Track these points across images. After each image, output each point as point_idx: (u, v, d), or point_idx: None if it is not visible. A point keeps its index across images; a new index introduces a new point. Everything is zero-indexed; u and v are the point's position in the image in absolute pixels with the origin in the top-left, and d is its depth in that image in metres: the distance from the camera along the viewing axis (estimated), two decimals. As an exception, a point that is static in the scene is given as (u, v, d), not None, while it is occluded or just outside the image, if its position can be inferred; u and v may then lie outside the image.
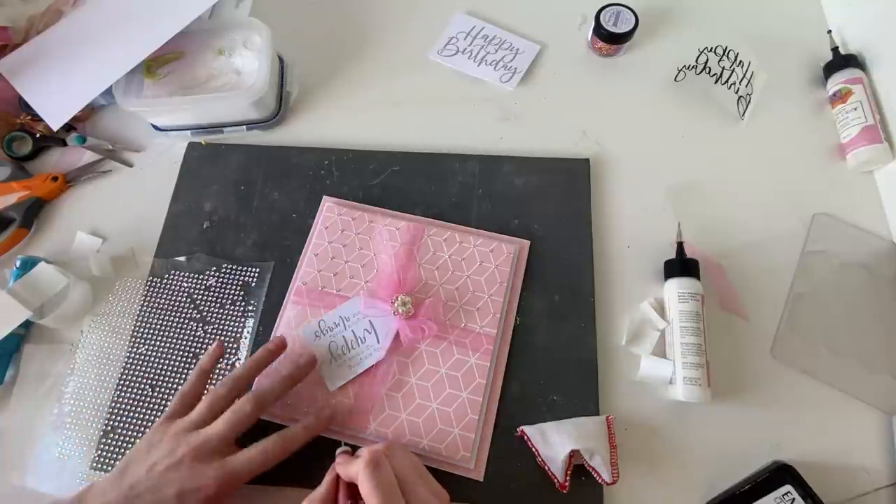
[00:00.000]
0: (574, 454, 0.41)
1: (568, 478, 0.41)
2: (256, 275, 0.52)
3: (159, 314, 0.50)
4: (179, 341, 0.49)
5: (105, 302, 0.52)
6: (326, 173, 0.56)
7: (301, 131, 0.60)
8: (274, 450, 0.39)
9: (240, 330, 0.50)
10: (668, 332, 0.48)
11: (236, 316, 0.50)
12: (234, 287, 0.51)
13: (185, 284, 0.52)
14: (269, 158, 0.58)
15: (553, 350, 0.47)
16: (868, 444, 0.45)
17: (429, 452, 0.43)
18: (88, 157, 0.59)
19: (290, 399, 0.45)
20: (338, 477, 0.38)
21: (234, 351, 0.49)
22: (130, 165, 0.59)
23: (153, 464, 0.37)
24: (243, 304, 0.51)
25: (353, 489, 0.37)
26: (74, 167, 0.59)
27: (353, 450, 0.41)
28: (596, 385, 0.46)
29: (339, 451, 0.41)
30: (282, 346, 0.45)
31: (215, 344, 0.45)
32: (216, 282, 0.52)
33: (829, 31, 0.61)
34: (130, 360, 0.49)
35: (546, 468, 0.42)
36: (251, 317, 0.50)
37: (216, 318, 0.50)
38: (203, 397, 0.41)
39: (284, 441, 0.40)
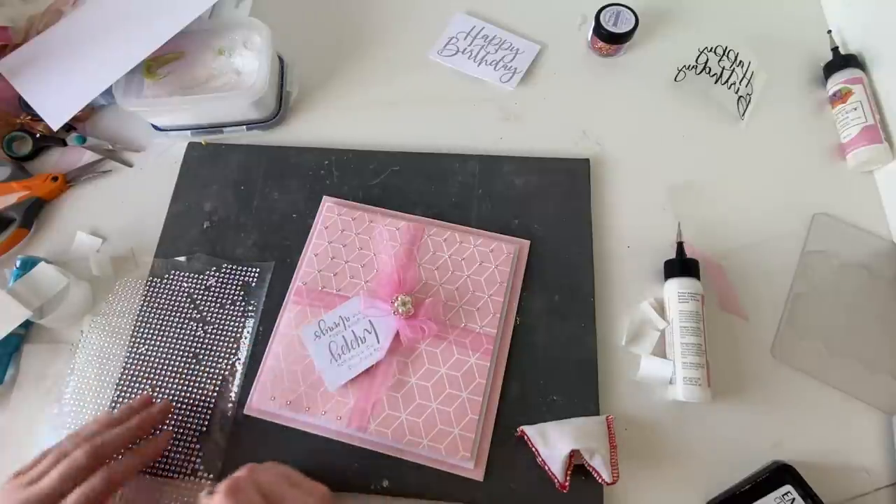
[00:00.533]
0: (574, 454, 0.41)
1: (568, 478, 0.41)
2: (256, 275, 0.52)
3: (159, 314, 0.50)
4: (179, 341, 0.49)
5: (105, 302, 0.52)
6: (326, 173, 0.56)
7: (301, 131, 0.60)
8: (98, 489, 0.37)
9: (240, 330, 0.50)
10: (668, 332, 0.48)
11: (236, 316, 0.50)
12: (234, 287, 0.51)
13: (185, 284, 0.52)
14: (269, 158, 0.58)
15: (553, 350, 0.47)
16: (868, 444, 0.45)
17: (429, 452, 0.44)
18: (88, 157, 0.59)
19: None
20: None
21: (233, 351, 0.49)
22: (130, 165, 0.59)
23: None
24: (243, 304, 0.51)
25: None
26: (74, 167, 0.59)
27: None
28: (596, 385, 0.46)
29: (201, 495, 0.39)
30: (146, 401, 0.44)
31: (103, 412, 0.45)
32: (216, 282, 0.52)
33: (829, 31, 0.61)
34: (130, 360, 0.49)
35: (546, 468, 0.42)
36: (251, 317, 0.50)
37: (216, 318, 0.50)
38: (49, 454, 0.39)
39: (109, 474, 0.38)
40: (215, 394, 0.47)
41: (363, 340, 0.47)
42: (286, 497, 0.36)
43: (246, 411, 0.46)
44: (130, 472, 0.40)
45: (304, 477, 0.39)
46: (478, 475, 0.43)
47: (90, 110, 0.62)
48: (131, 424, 0.42)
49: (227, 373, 0.48)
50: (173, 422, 0.46)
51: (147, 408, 0.44)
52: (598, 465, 0.41)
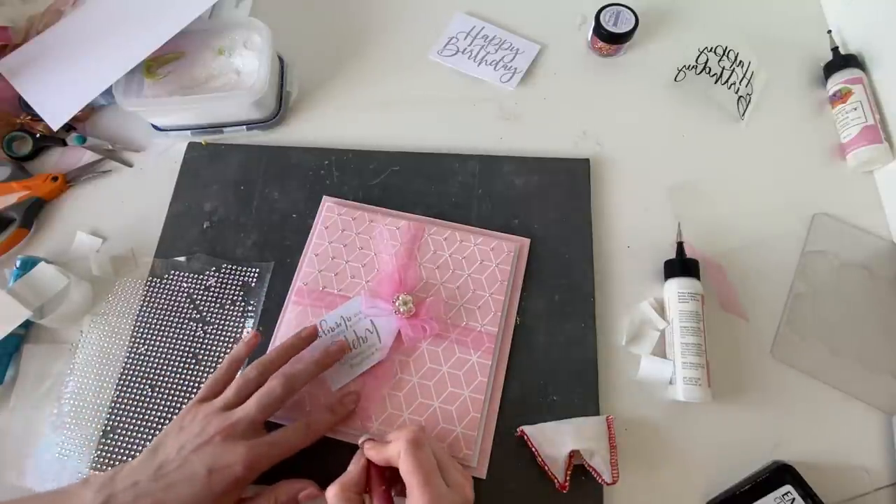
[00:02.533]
0: (574, 454, 0.41)
1: (568, 478, 0.41)
2: (256, 275, 0.52)
3: (159, 314, 0.50)
4: (179, 341, 0.49)
5: (105, 302, 0.52)
6: (326, 173, 0.56)
7: (301, 131, 0.60)
8: (302, 434, 0.40)
9: (240, 330, 0.50)
10: (668, 332, 0.48)
11: (236, 316, 0.50)
12: (234, 287, 0.51)
13: (185, 284, 0.52)
14: (269, 158, 0.58)
15: (553, 350, 0.48)
16: (868, 444, 0.45)
17: (429, 452, 0.43)
18: (88, 157, 0.59)
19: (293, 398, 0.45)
20: (366, 464, 0.38)
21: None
22: (130, 165, 0.59)
23: (183, 443, 0.38)
24: (243, 304, 0.51)
25: (383, 476, 0.37)
26: (74, 167, 0.59)
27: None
28: (596, 385, 0.46)
29: (363, 439, 0.40)
30: (313, 334, 0.45)
31: (252, 333, 0.45)
32: (216, 282, 0.52)
33: (829, 31, 0.61)
34: (130, 360, 0.49)
35: (546, 468, 0.42)
36: (251, 317, 0.50)
37: (216, 318, 0.50)
38: (233, 381, 0.41)
39: (313, 425, 0.41)
40: None
41: (365, 340, 0.47)
42: (450, 471, 0.36)
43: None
44: (328, 427, 0.43)
45: (457, 462, 0.39)
46: (480, 473, 0.43)
47: (90, 110, 0.62)
48: (317, 360, 0.43)
49: (214, 372, 0.48)
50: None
51: (313, 338, 0.46)
52: (598, 465, 0.41)
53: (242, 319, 0.50)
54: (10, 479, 0.45)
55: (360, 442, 0.40)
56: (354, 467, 0.39)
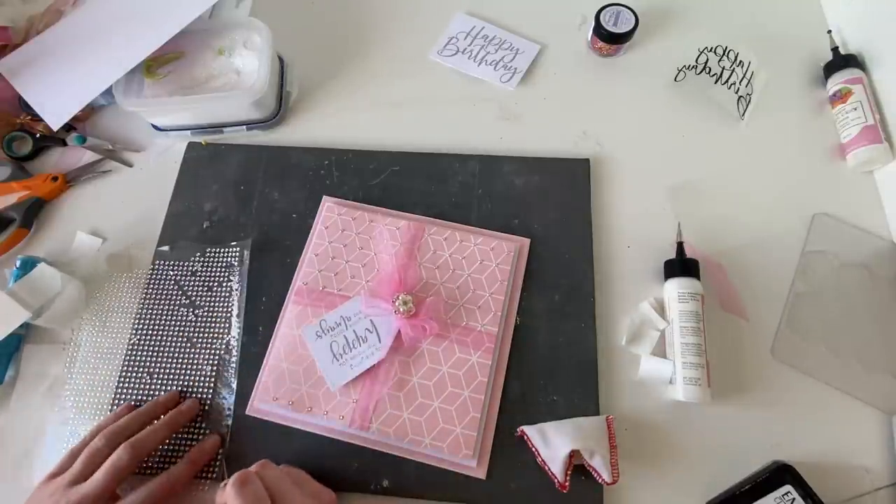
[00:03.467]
0: (574, 454, 0.41)
1: (568, 478, 0.41)
2: (238, 254, 0.52)
3: (150, 305, 0.51)
4: (172, 328, 0.50)
5: (98, 299, 0.52)
6: (326, 173, 0.56)
7: (301, 131, 0.60)
8: (157, 491, 0.40)
9: (229, 309, 0.50)
10: (668, 332, 0.48)
11: (224, 296, 0.51)
12: (219, 269, 0.52)
13: (172, 273, 0.52)
14: (269, 158, 0.58)
15: (553, 350, 0.48)
16: (868, 444, 0.45)
17: (431, 451, 0.44)
18: (88, 157, 0.59)
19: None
20: None
21: (226, 330, 0.50)
22: (130, 165, 0.59)
23: None
24: (229, 283, 0.51)
25: None
26: (74, 167, 0.59)
27: None
28: (596, 385, 0.46)
29: (220, 486, 0.39)
30: (173, 399, 0.46)
31: (123, 406, 0.46)
32: (202, 266, 0.52)
33: (829, 31, 0.61)
34: (128, 354, 0.49)
35: (546, 468, 0.42)
36: (237, 295, 0.51)
37: (205, 300, 0.51)
38: (82, 452, 0.40)
39: (169, 479, 0.41)
40: (213, 374, 0.48)
41: (364, 340, 0.47)
42: (291, 497, 0.36)
43: (248, 412, 0.46)
44: (188, 477, 0.42)
45: (313, 480, 0.40)
46: (480, 473, 0.43)
47: (90, 110, 0.62)
48: (165, 421, 0.43)
49: (222, 351, 0.49)
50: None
51: (174, 403, 0.45)
52: (598, 465, 0.41)
53: (230, 298, 0.51)
54: (13, 479, 0.45)
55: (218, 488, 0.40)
56: None
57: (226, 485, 0.37)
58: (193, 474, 0.43)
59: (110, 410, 0.47)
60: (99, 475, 0.38)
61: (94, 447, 0.40)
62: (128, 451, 0.39)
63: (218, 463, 0.45)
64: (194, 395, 0.47)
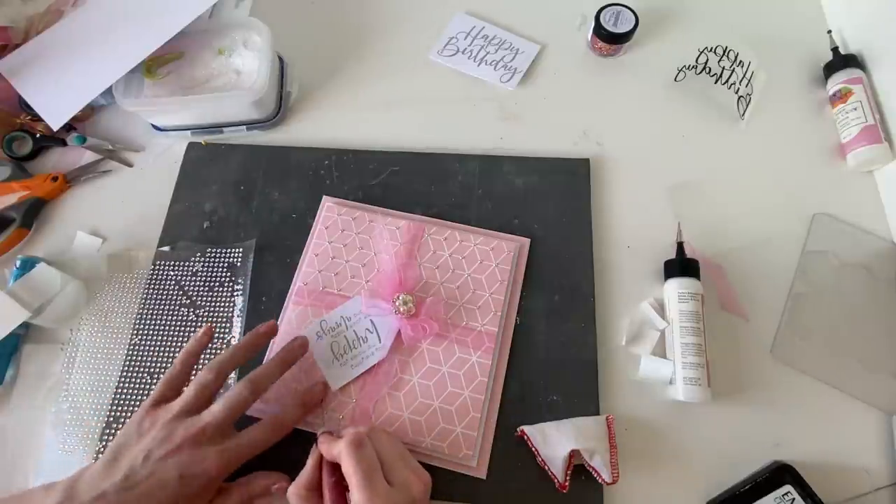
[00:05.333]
0: (574, 454, 0.41)
1: (568, 478, 0.41)
2: (240, 254, 0.52)
3: (151, 305, 0.51)
4: (173, 328, 0.50)
5: (98, 299, 0.52)
6: (326, 173, 0.56)
7: (301, 131, 0.60)
8: (271, 430, 0.40)
9: (231, 309, 0.50)
10: (668, 332, 0.48)
11: (225, 296, 0.51)
12: (220, 269, 0.52)
13: (173, 273, 0.52)
14: (269, 158, 0.58)
15: (553, 350, 0.47)
16: (868, 444, 0.45)
17: (431, 451, 0.44)
18: (88, 157, 0.59)
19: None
20: (321, 458, 0.39)
21: (227, 329, 0.49)
22: (130, 165, 0.59)
23: (149, 451, 0.37)
24: (231, 283, 0.51)
25: (336, 469, 0.37)
26: (74, 167, 0.59)
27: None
28: (596, 385, 0.46)
29: (320, 432, 0.41)
30: (271, 330, 0.45)
31: (204, 328, 0.45)
32: (202, 266, 0.52)
33: (829, 31, 0.61)
34: (128, 352, 0.49)
35: (546, 468, 0.42)
36: (239, 295, 0.51)
37: (205, 301, 0.51)
38: (190, 382, 0.41)
39: (281, 420, 0.41)
40: None
41: (365, 340, 0.47)
42: (398, 470, 0.36)
43: (248, 412, 0.46)
44: (298, 419, 0.43)
45: (413, 458, 0.39)
46: (480, 473, 0.43)
47: (90, 110, 0.62)
48: (279, 359, 0.43)
49: (222, 351, 0.48)
50: None
51: (273, 334, 0.45)
52: (598, 465, 0.41)
53: (232, 298, 0.51)
54: (14, 478, 0.45)
55: (318, 433, 0.40)
56: (309, 464, 0.39)
57: (328, 433, 0.39)
58: (304, 416, 0.43)
59: (111, 410, 0.47)
60: (218, 407, 0.39)
61: (204, 379, 0.40)
62: (248, 387, 0.40)
63: None
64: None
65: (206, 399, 0.40)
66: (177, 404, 0.39)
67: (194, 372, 0.43)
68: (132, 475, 0.36)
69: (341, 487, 0.37)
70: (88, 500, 0.34)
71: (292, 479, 0.39)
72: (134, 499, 0.35)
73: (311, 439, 0.41)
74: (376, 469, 0.35)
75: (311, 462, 0.39)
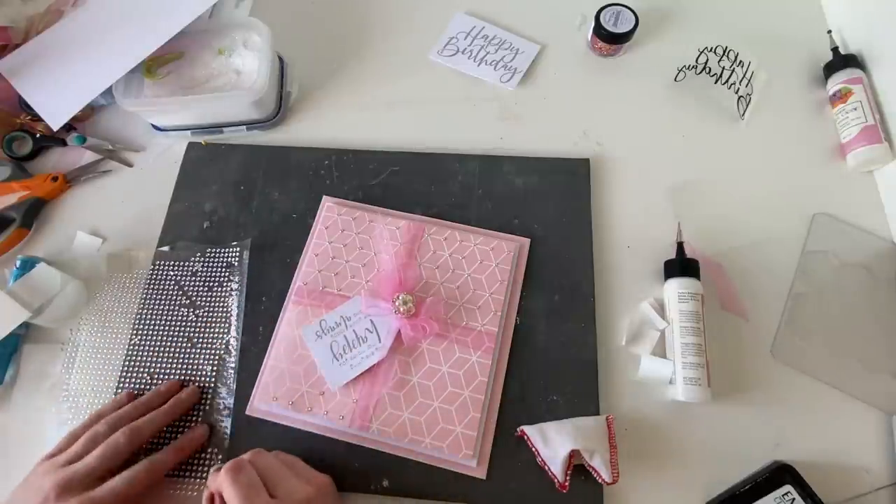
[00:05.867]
0: (574, 454, 0.41)
1: (568, 477, 0.41)
2: (238, 254, 0.52)
3: (151, 305, 0.51)
4: (172, 328, 0.50)
5: (98, 299, 0.52)
6: (326, 173, 0.56)
7: (301, 131, 0.60)
8: (140, 475, 0.39)
9: (229, 309, 0.50)
10: (668, 332, 0.48)
11: (224, 296, 0.51)
12: (219, 269, 0.52)
13: (172, 273, 0.52)
14: (269, 158, 0.58)
15: (553, 350, 0.47)
16: (868, 444, 0.45)
17: (431, 451, 0.44)
18: (88, 157, 0.59)
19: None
20: (212, 495, 0.38)
21: (225, 330, 0.50)
22: (130, 165, 0.59)
23: (24, 502, 0.37)
24: (229, 283, 0.52)
25: (222, 500, 0.37)
26: (74, 167, 0.59)
27: None
28: (596, 385, 0.46)
29: (211, 470, 0.41)
30: (174, 388, 0.46)
31: (123, 393, 0.46)
32: (202, 266, 0.52)
33: (829, 31, 0.61)
34: (128, 352, 0.49)
35: (546, 468, 0.42)
36: (237, 294, 0.51)
37: (205, 300, 0.51)
38: (83, 436, 0.41)
39: (152, 465, 0.41)
40: (214, 373, 0.48)
41: (364, 340, 0.47)
42: (284, 482, 0.37)
43: (248, 412, 0.46)
44: (171, 465, 0.42)
45: (306, 466, 0.40)
46: (480, 473, 0.43)
47: (90, 110, 0.62)
48: (164, 409, 0.43)
49: (222, 351, 0.49)
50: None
51: (174, 393, 0.46)
52: (598, 465, 0.41)
53: (230, 298, 0.51)
54: (13, 478, 0.45)
55: (210, 472, 0.40)
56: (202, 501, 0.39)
57: (219, 469, 0.38)
58: (179, 462, 0.43)
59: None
60: (91, 455, 0.39)
61: (95, 431, 0.41)
62: (125, 435, 0.40)
63: (220, 459, 0.45)
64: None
65: (91, 450, 0.40)
66: (62, 456, 0.39)
67: None
68: None
69: None
70: None
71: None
72: None
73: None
74: (255, 486, 0.36)
75: (203, 501, 0.39)
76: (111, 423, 0.41)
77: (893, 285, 0.50)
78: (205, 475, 0.44)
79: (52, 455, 0.40)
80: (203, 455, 0.45)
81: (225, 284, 0.51)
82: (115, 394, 0.48)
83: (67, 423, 0.47)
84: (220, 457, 0.45)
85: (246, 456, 0.39)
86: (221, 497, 0.37)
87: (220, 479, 0.36)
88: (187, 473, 0.44)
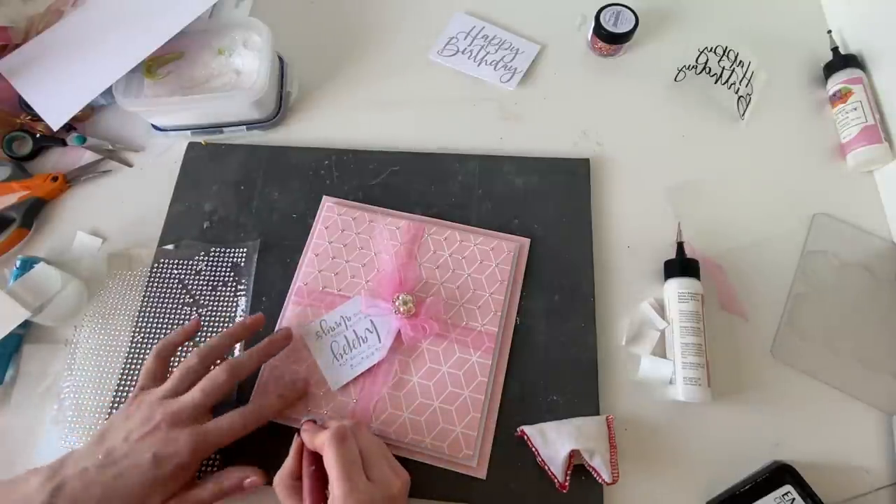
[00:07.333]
0: (574, 454, 0.41)
1: (568, 478, 0.41)
2: (244, 254, 0.52)
3: (154, 303, 0.51)
4: (176, 327, 0.50)
5: (98, 299, 0.52)
6: (326, 173, 0.56)
7: (301, 131, 0.60)
8: (248, 417, 0.40)
9: (233, 309, 0.50)
10: (668, 332, 0.48)
11: (228, 296, 0.51)
12: (224, 269, 0.52)
13: (176, 271, 0.52)
14: (269, 158, 0.58)
15: (553, 350, 0.47)
16: (868, 444, 0.45)
17: (431, 451, 0.44)
18: (88, 157, 0.59)
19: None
20: (302, 447, 0.39)
21: None
22: (130, 165, 0.59)
23: (129, 431, 0.38)
24: (234, 283, 0.51)
25: (316, 459, 0.38)
26: (74, 167, 0.59)
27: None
28: (596, 385, 0.46)
29: (304, 419, 0.41)
30: (259, 321, 0.46)
31: (192, 320, 0.46)
32: (206, 266, 0.52)
33: (829, 31, 0.61)
34: (129, 351, 0.49)
35: (546, 468, 0.42)
36: (243, 296, 0.51)
37: (209, 300, 0.51)
38: (176, 368, 0.42)
39: (259, 409, 0.41)
40: None
41: (364, 340, 0.47)
42: (378, 466, 0.37)
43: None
44: (277, 409, 0.43)
45: (393, 457, 0.40)
46: (480, 473, 0.43)
47: (90, 110, 0.62)
48: (260, 347, 0.44)
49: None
50: None
51: (261, 325, 0.46)
52: (598, 465, 0.41)
53: (235, 299, 0.51)
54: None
55: (302, 421, 0.41)
56: (291, 453, 0.40)
57: (314, 424, 0.39)
58: (283, 408, 0.43)
59: (112, 409, 0.47)
60: (196, 390, 0.40)
61: (188, 364, 0.41)
62: (226, 371, 0.40)
63: (218, 458, 0.45)
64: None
65: (189, 383, 0.41)
66: (161, 389, 0.40)
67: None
68: (112, 453, 0.37)
69: (320, 477, 0.37)
70: (71, 475, 0.36)
71: (268, 474, 0.40)
72: (111, 476, 0.36)
73: (290, 434, 0.42)
74: (357, 463, 0.36)
75: (293, 451, 0.40)
76: (204, 357, 0.42)
77: (893, 285, 0.50)
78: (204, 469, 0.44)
79: (146, 387, 0.41)
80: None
81: (230, 285, 0.51)
82: (116, 394, 0.47)
83: (68, 423, 0.47)
84: (218, 457, 0.45)
85: (347, 423, 0.38)
86: (313, 455, 0.38)
87: (323, 441, 0.36)
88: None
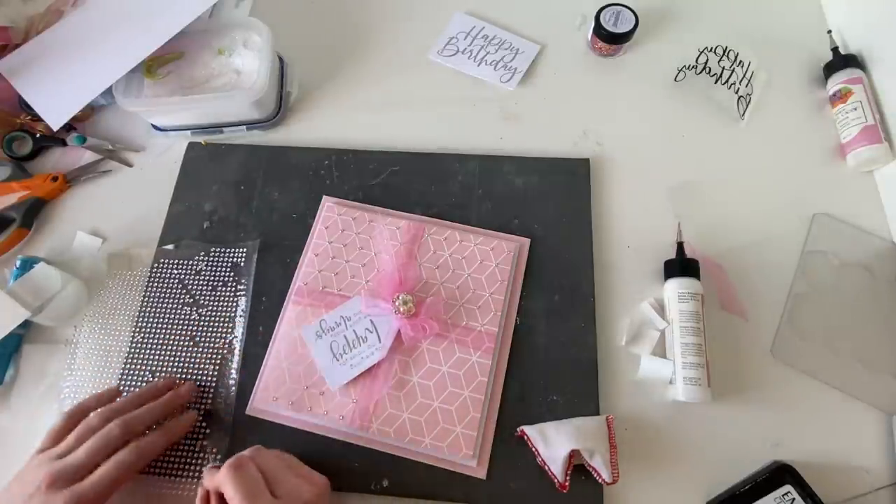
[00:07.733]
0: (574, 454, 0.41)
1: (568, 478, 0.41)
2: (244, 254, 0.52)
3: (154, 303, 0.51)
4: (176, 327, 0.50)
5: (100, 298, 0.52)
6: (326, 173, 0.56)
7: (301, 131, 0.60)
8: (123, 463, 0.38)
9: (233, 309, 0.50)
10: (668, 332, 0.48)
11: (228, 296, 0.51)
12: (224, 269, 0.52)
13: (176, 271, 0.52)
14: (269, 158, 0.58)
15: (553, 350, 0.47)
16: (868, 444, 0.45)
17: (431, 451, 0.44)
18: (88, 157, 0.59)
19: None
20: (207, 494, 0.38)
21: (230, 330, 0.50)
22: (130, 165, 0.59)
23: (14, 496, 0.37)
24: (234, 284, 0.51)
25: (221, 499, 0.37)
26: (74, 167, 0.59)
27: None
28: (596, 385, 0.46)
29: (206, 468, 0.40)
30: (169, 385, 0.46)
31: (109, 388, 0.46)
32: (206, 266, 0.52)
33: (829, 31, 0.61)
34: (130, 350, 0.49)
35: (546, 468, 0.42)
36: (243, 296, 0.51)
37: (209, 300, 0.51)
38: (76, 429, 0.40)
39: (136, 450, 0.39)
40: (216, 373, 0.48)
41: (364, 340, 0.47)
42: (285, 480, 0.37)
43: (248, 412, 0.46)
44: (159, 448, 0.42)
45: (305, 466, 0.40)
46: (480, 473, 0.43)
47: (90, 110, 0.62)
48: (160, 402, 0.43)
49: (225, 351, 0.49)
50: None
51: (169, 389, 0.45)
52: (598, 464, 0.41)
53: (235, 299, 0.51)
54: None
55: (204, 470, 0.40)
56: (197, 500, 0.38)
57: (216, 467, 0.37)
58: (167, 446, 0.42)
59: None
60: (82, 448, 0.38)
61: (87, 423, 0.40)
62: (119, 426, 0.39)
63: (218, 459, 0.45)
64: (196, 390, 0.47)
65: (84, 442, 0.39)
66: (55, 449, 0.39)
67: None
68: None
69: None
70: None
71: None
72: None
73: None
74: (259, 484, 0.35)
75: (198, 498, 0.38)
76: (104, 416, 0.40)
77: (893, 285, 0.50)
78: (200, 474, 0.44)
79: (45, 448, 0.40)
80: (202, 455, 0.45)
81: (230, 285, 0.51)
82: (116, 387, 0.47)
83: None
84: (218, 456, 0.45)
85: (246, 453, 0.38)
86: (219, 496, 0.37)
87: (220, 477, 0.36)
88: (183, 473, 0.44)
